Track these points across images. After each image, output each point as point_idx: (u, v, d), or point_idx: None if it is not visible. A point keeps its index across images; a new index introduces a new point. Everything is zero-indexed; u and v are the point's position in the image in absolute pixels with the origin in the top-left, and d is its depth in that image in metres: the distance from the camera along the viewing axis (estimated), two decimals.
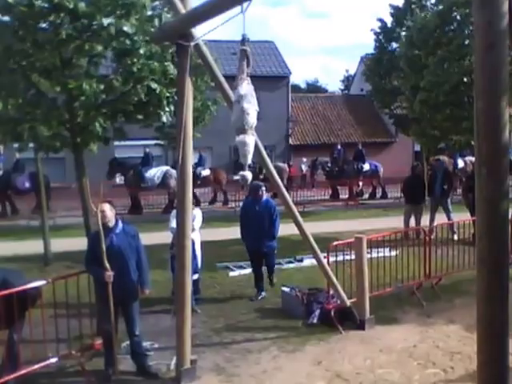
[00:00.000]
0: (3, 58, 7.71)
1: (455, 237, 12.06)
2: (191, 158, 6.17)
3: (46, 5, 7.50)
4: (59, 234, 13.98)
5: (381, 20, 22.68)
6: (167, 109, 8.46)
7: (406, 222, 13.61)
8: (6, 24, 7.87)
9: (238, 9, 5.12)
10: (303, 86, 64.42)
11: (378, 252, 8.59)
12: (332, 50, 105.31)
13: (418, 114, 15.38)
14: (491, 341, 3.39)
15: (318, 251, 7.49)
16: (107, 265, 5.91)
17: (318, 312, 7.80)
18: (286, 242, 10.77)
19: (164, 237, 9.82)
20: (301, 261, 11.23)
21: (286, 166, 25.26)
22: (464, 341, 6.95)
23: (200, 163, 21.94)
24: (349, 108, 34.27)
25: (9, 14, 7.77)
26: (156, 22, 8.06)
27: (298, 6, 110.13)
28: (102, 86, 7.88)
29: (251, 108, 5.41)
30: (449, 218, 13.17)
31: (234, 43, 25.11)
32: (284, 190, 7.46)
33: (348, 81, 56.77)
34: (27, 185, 19.50)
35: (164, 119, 8.78)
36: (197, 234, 8.62)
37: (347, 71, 61.49)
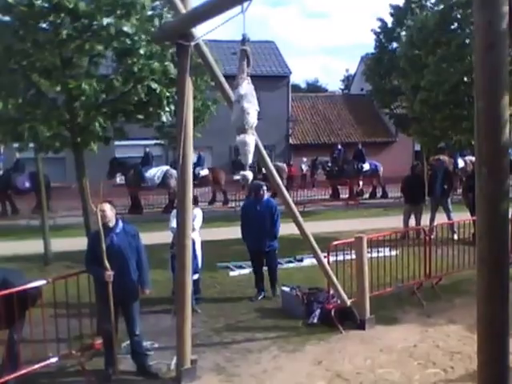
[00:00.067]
0: (3, 57, 7.71)
1: (455, 236, 12.06)
2: (192, 158, 6.18)
3: (46, 5, 7.50)
4: (59, 234, 13.99)
5: (381, 20, 22.67)
6: (167, 109, 8.46)
7: (406, 222, 13.61)
8: (7, 24, 7.87)
9: (238, 9, 5.12)
10: (303, 85, 64.48)
11: (378, 252, 8.59)
12: (332, 49, 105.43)
13: (419, 113, 15.37)
14: (491, 340, 3.39)
15: (319, 251, 7.48)
16: (107, 264, 5.91)
17: (318, 312, 7.80)
18: (286, 242, 10.77)
19: (164, 236, 9.82)
20: (301, 260, 11.23)
21: (284, 165, 25.26)
22: (464, 340, 6.95)
23: (199, 163, 21.94)
24: (349, 108, 34.27)
25: (9, 14, 7.77)
26: (156, 21, 8.05)
27: (298, 5, 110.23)
28: (102, 86, 7.88)
29: (251, 107, 5.41)
30: (449, 218, 13.16)
31: (234, 43, 25.09)
32: (284, 189, 7.46)
33: (348, 80, 56.76)
34: (27, 184, 19.52)
35: (164, 119, 8.78)
36: (197, 233, 8.62)
37: (347, 71, 61.60)
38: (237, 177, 22.78)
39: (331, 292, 7.73)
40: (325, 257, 7.67)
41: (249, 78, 5.65)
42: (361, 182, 24.55)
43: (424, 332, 7.40)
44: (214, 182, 22.59)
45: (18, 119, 8.01)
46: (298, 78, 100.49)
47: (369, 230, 11.85)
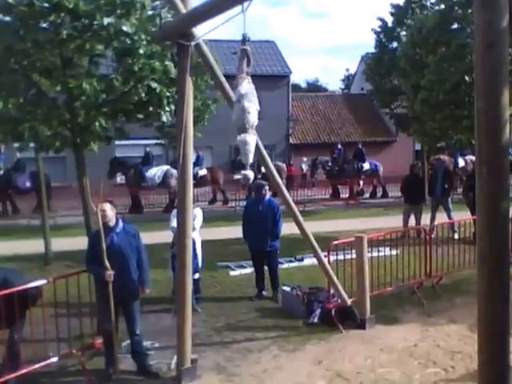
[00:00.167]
0: (4, 57, 7.71)
1: (456, 236, 12.05)
2: (192, 158, 6.18)
3: (47, 5, 7.50)
4: (60, 234, 13.99)
5: (381, 19, 22.65)
6: (167, 108, 8.45)
7: (406, 222, 13.62)
8: (7, 24, 7.87)
9: (238, 8, 5.13)
10: (303, 85, 64.47)
11: (378, 251, 8.59)
12: (332, 49, 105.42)
13: (419, 113, 15.36)
14: (492, 340, 3.39)
15: (319, 250, 7.49)
16: (107, 264, 5.92)
17: (318, 311, 7.80)
18: (287, 241, 10.77)
19: (164, 236, 9.83)
20: (301, 260, 11.24)
21: (284, 165, 25.25)
22: (465, 340, 6.95)
23: (197, 163, 21.95)
24: (349, 107, 34.25)
25: (9, 14, 7.77)
26: (157, 21, 8.05)
27: (298, 5, 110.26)
28: (102, 86, 7.88)
29: (252, 107, 5.41)
30: (449, 217, 13.17)
31: (234, 43, 25.12)
32: (284, 189, 7.46)
33: (348, 80, 56.76)
34: (28, 184, 19.53)
35: (164, 119, 8.77)
36: (197, 233, 8.63)
37: (347, 70, 61.57)
38: (237, 176, 22.83)
39: (331, 291, 7.73)
40: (325, 256, 7.68)
41: (249, 77, 5.66)
42: (361, 182, 24.56)
43: (424, 331, 7.40)
44: (213, 182, 22.60)
45: (18, 119, 8.01)
46: (299, 77, 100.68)
47: (369, 230, 11.85)
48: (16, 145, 8.74)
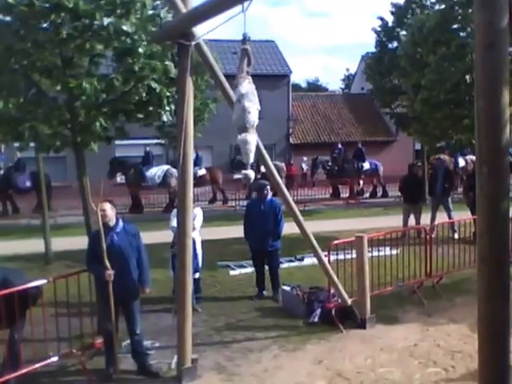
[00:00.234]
0: (4, 57, 7.70)
1: (456, 235, 12.07)
2: (192, 157, 6.18)
3: (47, 4, 7.49)
4: (60, 233, 14.00)
5: (381, 19, 22.63)
6: (167, 108, 8.44)
7: (405, 222, 13.63)
8: (7, 24, 7.87)
9: (238, 8, 5.13)
10: (304, 85, 64.45)
11: (378, 251, 8.60)
12: (332, 49, 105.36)
13: (419, 112, 15.36)
14: (492, 339, 3.40)
15: (319, 250, 7.49)
16: (108, 264, 5.92)
17: (318, 311, 7.81)
18: (287, 241, 10.77)
19: (165, 236, 9.83)
20: (301, 259, 11.24)
21: (283, 164, 25.25)
22: (465, 339, 6.95)
23: (196, 163, 21.93)
24: (349, 107, 34.24)
25: (9, 14, 7.76)
26: (157, 21, 8.05)
27: (299, 5, 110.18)
28: (102, 86, 7.87)
29: (252, 106, 5.41)
30: (449, 217, 13.18)
31: (234, 42, 25.11)
32: (284, 188, 7.47)
33: (349, 80, 56.74)
34: (28, 184, 19.53)
35: (164, 118, 8.76)
36: (197, 232, 8.63)
37: (348, 70, 61.55)
38: (237, 176, 22.85)
39: (332, 291, 7.73)
40: (325, 256, 7.68)
41: (250, 77, 5.66)
42: (361, 182, 24.56)
43: (425, 331, 7.41)
44: (212, 182, 22.62)
45: (18, 118, 8.00)
46: (299, 77, 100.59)
47: (369, 229, 11.84)
48: (16, 144, 8.73)
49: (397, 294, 8.64)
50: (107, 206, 6.11)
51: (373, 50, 23.49)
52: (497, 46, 3.19)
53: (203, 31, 5.97)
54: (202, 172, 22.01)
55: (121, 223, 6.23)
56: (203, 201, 21.49)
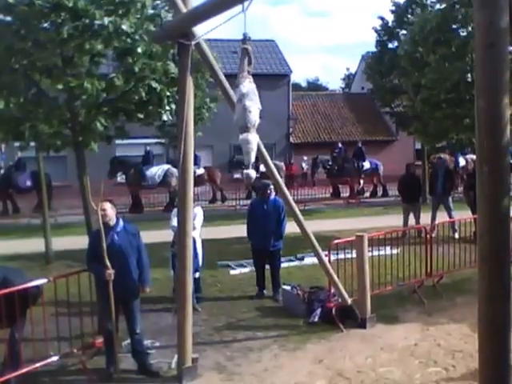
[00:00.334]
0: (5, 57, 7.70)
1: (456, 235, 12.07)
2: (192, 157, 6.18)
3: (47, 4, 7.49)
4: (60, 233, 14.00)
5: (382, 18, 22.61)
6: (168, 108, 8.45)
7: (405, 221, 13.63)
8: (8, 24, 7.87)
9: (238, 8, 5.13)
10: (304, 84, 64.43)
11: (379, 250, 8.60)
12: (333, 48, 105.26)
13: (420, 112, 15.36)
14: (493, 339, 3.40)
15: (319, 249, 7.49)
16: (108, 263, 5.92)
17: (319, 310, 7.81)
18: (287, 240, 10.77)
19: (165, 235, 9.83)
20: (302, 259, 11.24)
21: (282, 164, 25.24)
22: (465, 339, 6.95)
23: (195, 162, 21.92)
24: (349, 106, 34.23)
25: (10, 13, 7.76)
26: (157, 20, 8.05)
27: (299, 4, 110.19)
28: (103, 85, 7.87)
29: (253, 106, 5.41)
30: (450, 216, 13.17)
31: (234, 42, 25.11)
32: (284, 187, 7.47)
33: (349, 79, 56.73)
34: (29, 183, 19.55)
35: (165, 118, 8.77)
36: (198, 232, 8.63)
37: (348, 69, 61.53)
38: (237, 175, 22.88)
39: (332, 291, 7.73)
40: (326, 255, 7.68)
41: (250, 76, 5.66)
42: (361, 181, 24.56)
43: (425, 330, 7.41)
44: (210, 181, 22.65)
45: (19, 118, 8.00)
46: (299, 76, 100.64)
47: (369, 229, 11.84)
48: (17, 144, 8.74)
49: (397, 293, 8.64)
50: (107, 206, 6.12)
51: (373, 49, 23.46)
52: (497, 45, 3.18)
53: (203, 31, 5.98)
54: (200, 171, 22.02)
55: (121, 223, 6.23)
56: (204, 200, 21.51)
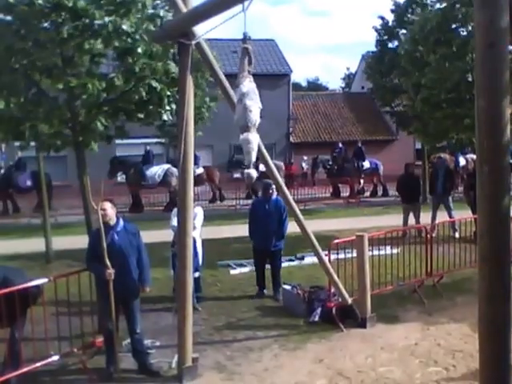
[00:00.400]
0: (5, 57, 7.70)
1: (456, 235, 12.06)
2: (192, 156, 6.18)
3: (47, 4, 7.49)
4: (60, 232, 14.00)
5: (382, 18, 22.61)
6: (168, 107, 8.45)
7: (405, 221, 13.63)
8: (8, 23, 7.87)
9: (238, 7, 5.13)
10: (304, 84, 64.40)
11: (379, 250, 8.60)
12: (333, 48, 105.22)
13: (420, 111, 15.35)
14: (493, 339, 3.39)
15: (319, 249, 7.49)
16: (108, 263, 5.92)
17: (319, 310, 7.81)
18: (287, 240, 10.77)
19: (165, 235, 9.84)
20: (302, 259, 11.24)
21: (282, 164, 25.25)
22: (466, 339, 6.95)
23: (194, 162, 21.92)
24: (350, 106, 34.22)
25: (10, 13, 7.76)
26: (158, 20, 8.05)
27: (299, 4, 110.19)
28: (103, 85, 7.87)
29: (254, 105, 5.41)
30: (450, 216, 13.17)
31: (234, 42, 25.10)
32: (284, 187, 7.46)
33: (349, 79, 56.68)
34: (29, 183, 19.56)
35: (165, 118, 8.77)
36: (198, 232, 8.63)
37: (348, 69, 61.47)
38: (237, 175, 22.87)
39: (332, 290, 7.73)
40: (326, 255, 7.68)
41: (251, 76, 5.66)
42: (361, 181, 24.57)
43: (425, 330, 7.41)
44: (209, 180, 22.67)
45: (19, 118, 8.00)
46: (299, 76, 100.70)
47: (370, 228, 11.85)
48: (17, 144, 8.74)
49: (397, 293, 8.64)
50: (107, 205, 6.12)
51: (373, 48, 23.46)
52: (497, 45, 3.18)
53: (203, 30, 5.98)
54: (199, 171, 22.03)
55: (121, 222, 6.24)
56: (204, 200, 21.51)
